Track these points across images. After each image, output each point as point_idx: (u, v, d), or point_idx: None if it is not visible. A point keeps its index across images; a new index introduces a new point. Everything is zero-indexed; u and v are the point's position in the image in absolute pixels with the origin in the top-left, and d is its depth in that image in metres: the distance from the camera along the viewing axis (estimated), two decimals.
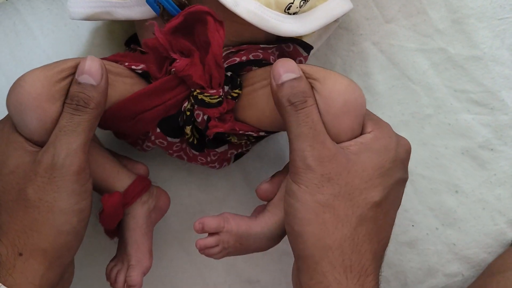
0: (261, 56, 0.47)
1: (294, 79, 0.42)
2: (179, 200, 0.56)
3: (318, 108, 0.42)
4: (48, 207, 0.41)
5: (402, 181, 0.45)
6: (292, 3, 0.44)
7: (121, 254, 0.49)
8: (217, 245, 0.46)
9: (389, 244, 0.54)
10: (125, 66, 0.46)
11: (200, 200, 0.57)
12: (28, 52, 0.56)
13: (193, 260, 0.56)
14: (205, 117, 0.46)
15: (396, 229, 0.55)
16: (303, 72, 0.43)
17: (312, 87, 0.42)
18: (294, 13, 0.45)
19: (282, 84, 0.42)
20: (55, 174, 0.41)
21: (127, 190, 0.48)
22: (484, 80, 0.55)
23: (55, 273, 0.42)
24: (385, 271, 0.56)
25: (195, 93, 0.45)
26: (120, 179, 0.49)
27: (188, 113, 0.46)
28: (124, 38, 0.54)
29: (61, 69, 0.42)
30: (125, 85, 0.46)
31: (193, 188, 0.57)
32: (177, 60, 0.44)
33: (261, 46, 0.48)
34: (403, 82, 0.56)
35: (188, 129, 0.47)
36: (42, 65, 0.44)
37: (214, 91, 0.45)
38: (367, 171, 0.42)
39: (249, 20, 0.43)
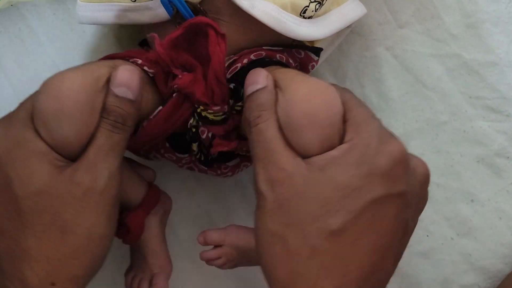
0: (264, 54, 0.44)
1: (256, 91, 0.39)
2: (188, 210, 0.56)
3: (279, 121, 0.38)
4: (87, 233, 0.38)
5: (385, 198, 0.36)
6: (308, 6, 0.43)
7: (139, 263, 0.49)
8: (220, 257, 0.46)
9: (403, 255, 0.53)
10: (137, 64, 0.43)
11: (209, 210, 0.56)
12: (33, 58, 0.55)
13: (202, 271, 0.55)
14: (210, 135, 0.44)
15: (410, 239, 0.55)
16: (275, 81, 0.39)
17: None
18: (309, 17, 0.44)
19: (247, 97, 0.39)
20: (95, 198, 0.38)
21: (144, 204, 0.47)
22: (500, 86, 0.54)
23: None
24: (399, 282, 0.55)
25: (198, 110, 0.43)
26: (135, 191, 0.47)
27: (193, 130, 0.44)
28: (130, 43, 0.53)
29: (98, 75, 0.38)
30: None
31: (202, 198, 0.56)
32: (179, 76, 0.42)
33: (264, 48, 0.45)
34: (417, 88, 0.55)
35: (194, 146, 0.45)
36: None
37: (218, 107, 0.43)
38: (325, 193, 0.36)
39: (266, 22, 0.42)
